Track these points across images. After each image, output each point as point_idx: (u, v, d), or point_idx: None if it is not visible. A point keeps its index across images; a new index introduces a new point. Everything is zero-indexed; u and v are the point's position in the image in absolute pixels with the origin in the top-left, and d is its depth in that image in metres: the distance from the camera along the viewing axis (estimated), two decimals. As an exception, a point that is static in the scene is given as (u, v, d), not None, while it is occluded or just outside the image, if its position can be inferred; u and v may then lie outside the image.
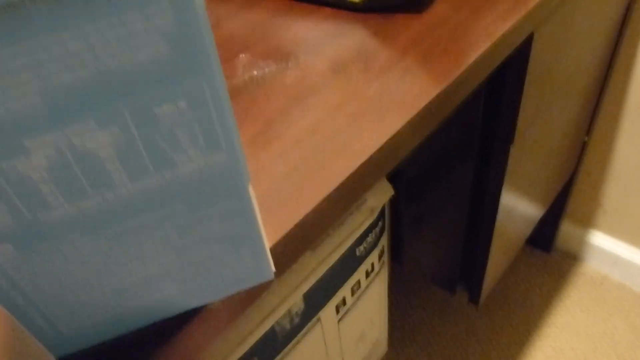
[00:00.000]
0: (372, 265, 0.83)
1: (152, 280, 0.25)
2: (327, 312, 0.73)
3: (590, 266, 1.21)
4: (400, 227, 0.91)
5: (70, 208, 0.21)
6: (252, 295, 0.29)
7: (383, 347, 1.01)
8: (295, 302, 0.66)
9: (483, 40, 0.49)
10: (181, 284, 0.26)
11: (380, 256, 0.85)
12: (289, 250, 0.31)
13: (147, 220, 0.23)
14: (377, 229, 0.82)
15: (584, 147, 1.06)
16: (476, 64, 0.47)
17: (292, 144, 0.38)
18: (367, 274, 0.82)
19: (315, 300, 0.69)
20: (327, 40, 0.52)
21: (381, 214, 0.81)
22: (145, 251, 0.24)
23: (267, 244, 0.27)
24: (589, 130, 1.03)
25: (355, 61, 0.48)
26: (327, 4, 0.57)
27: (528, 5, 0.52)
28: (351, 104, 0.42)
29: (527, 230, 0.98)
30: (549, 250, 1.25)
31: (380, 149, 0.37)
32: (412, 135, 0.41)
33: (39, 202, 0.21)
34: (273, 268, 0.28)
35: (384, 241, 0.84)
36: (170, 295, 0.26)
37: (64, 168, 0.20)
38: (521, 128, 0.66)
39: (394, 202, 0.93)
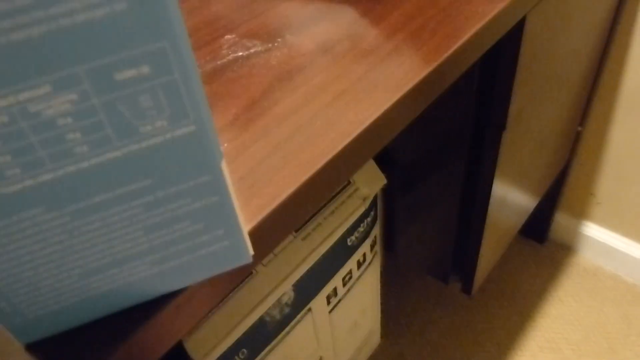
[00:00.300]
0: (364, 255, 0.81)
1: (121, 262, 0.24)
2: (318, 302, 0.72)
3: (584, 257, 1.20)
4: (393, 217, 0.89)
5: (29, 182, 0.20)
6: (231, 280, 0.28)
7: (376, 338, 1.00)
8: (286, 291, 0.65)
9: (475, 21, 0.48)
10: (152, 266, 0.25)
11: (372, 246, 0.84)
12: (270, 234, 0.30)
13: (111, 196, 0.22)
14: (369, 219, 0.80)
15: (577, 137, 1.05)
16: (467, 45, 0.46)
17: (276, 124, 0.37)
18: (359, 265, 0.81)
19: (306, 290, 0.68)
20: (314, 20, 0.50)
21: (373, 203, 0.80)
22: (111, 230, 0.23)
23: (244, 225, 0.26)
24: (582, 120, 1.02)
25: (342, 41, 0.46)
26: (316, -15, 0.56)
27: (521, -15, 0.51)
28: (338, 84, 0.41)
29: (520, 221, 0.97)
30: (543, 241, 1.24)
31: (367, 129, 0.36)
32: (400, 115, 0.40)
33: (-8, 175, 0.19)
34: (251, 251, 0.27)
35: (375, 231, 0.83)
36: (141, 278, 0.25)
37: (20, 138, 0.19)
38: (513, 114, 0.65)
39: (386, 191, 0.92)
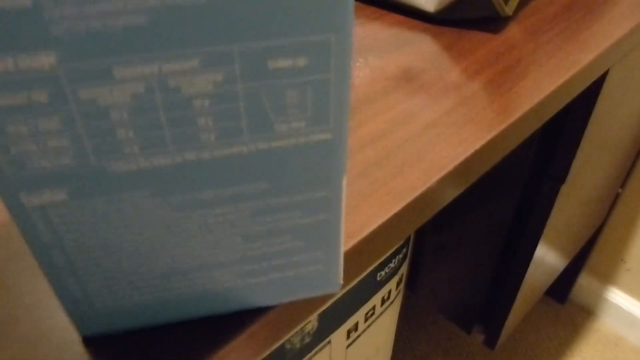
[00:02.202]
0: (389, 292, 0.79)
1: (209, 267, 0.22)
2: (339, 335, 0.69)
3: (606, 324, 1.16)
4: (422, 255, 0.86)
5: (144, 162, 0.18)
6: (308, 307, 0.26)
7: (383, 378, 0.96)
8: (310, 320, 0.62)
9: (565, 69, 0.45)
10: (238, 278, 0.22)
11: (398, 284, 0.81)
12: (355, 263, 0.28)
13: (223, 194, 0.19)
14: (401, 255, 0.78)
15: (616, 199, 1.02)
16: (560, 89, 0.43)
17: (360, 146, 0.34)
18: (383, 301, 0.78)
19: (330, 321, 0.65)
20: (397, 45, 0.48)
21: (407, 240, 0.77)
22: (210, 230, 0.20)
23: (342, 251, 0.24)
24: (624, 182, 1.00)
25: (429, 71, 0.44)
26: (398, 10, 0.54)
27: (613, 37, 0.49)
28: (426, 114, 0.38)
29: (550, 280, 0.94)
30: (563, 301, 1.20)
31: (460, 165, 0.34)
32: (490, 155, 0.37)
33: (110, 148, 0.17)
34: (341, 280, 0.24)
35: (404, 269, 0.80)
36: (222, 288, 0.23)
37: (149, 112, 0.17)
38: (575, 168, 0.62)
39: (418, 229, 0.90)
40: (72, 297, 0.21)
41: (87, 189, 0.18)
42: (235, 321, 0.24)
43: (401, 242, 0.50)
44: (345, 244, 0.27)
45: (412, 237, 0.94)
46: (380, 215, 0.29)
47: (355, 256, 0.27)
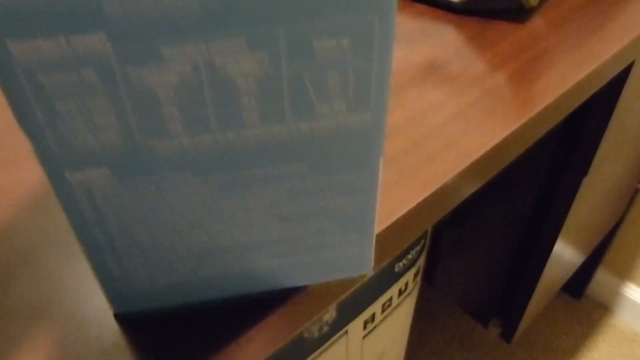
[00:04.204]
0: (407, 284, 0.79)
1: (244, 246, 0.22)
2: (356, 326, 0.69)
3: (622, 320, 1.15)
4: (439, 247, 0.86)
5: (187, 140, 0.18)
6: (339, 288, 0.26)
7: (398, 370, 0.96)
8: (329, 309, 0.62)
9: (590, 61, 0.45)
10: (272, 258, 0.23)
11: (415, 275, 0.81)
12: (384, 249, 0.28)
13: (261, 173, 0.20)
14: (419, 247, 0.78)
15: (635, 194, 1.01)
16: (588, 79, 0.43)
17: (386, 137, 0.35)
18: (400, 293, 0.78)
19: (348, 311, 0.65)
20: (421, 36, 0.48)
21: (424, 232, 0.77)
22: (248, 210, 0.21)
23: (375, 233, 0.24)
24: (642, 177, 0.99)
25: (453, 61, 0.44)
26: (422, 0, 0.54)
27: (638, 29, 0.49)
28: (452, 104, 0.38)
29: (567, 275, 0.93)
30: (579, 296, 1.20)
31: (486, 155, 0.34)
32: (515, 146, 0.37)
33: (155, 126, 0.17)
34: (372, 262, 0.25)
35: (421, 260, 0.81)
36: (256, 268, 0.23)
37: (195, 91, 0.17)
38: (598, 161, 0.62)
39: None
40: (110, 275, 0.21)
41: (131, 167, 0.18)
42: (266, 300, 0.24)
43: (427, 229, 0.50)
44: (377, 227, 0.27)
45: (429, 229, 0.94)
46: (409, 202, 0.29)
47: (384, 241, 0.28)
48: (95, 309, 0.24)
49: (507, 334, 0.78)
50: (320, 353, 0.65)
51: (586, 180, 0.63)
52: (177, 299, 0.23)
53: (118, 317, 0.24)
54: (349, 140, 0.19)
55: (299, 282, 0.24)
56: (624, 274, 1.12)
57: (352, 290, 0.63)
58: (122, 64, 0.16)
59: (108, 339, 0.23)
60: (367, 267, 0.24)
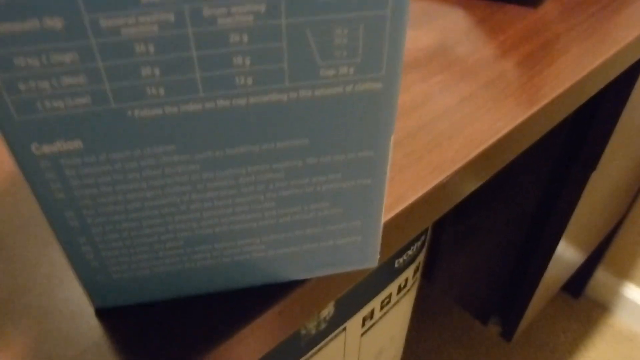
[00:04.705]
0: (406, 280, 0.76)
1: (237, 234, 0.19)
2: (354, 323, 0.67)
3: (621, 320, 1.13)
4: (440, 243, 0.84)
5: (170, 108, 0.15)
6: (341, 283, 0.23)
7: (395, 368, 0.94)
8: (327, 305, 0.60)
9: (606, 45, 0.43)
10: (269, 248, 0.20)
11: (415, 272, 0.79)
12: (391, 239, 0.25)
13: (256, 151, 0.17)
14: (419, 243, 0.75)
15: (637, 193, 0.99)
16: (601, 69, 0.41)
17: (397, 118, 0.32)
18: (399, 289, 0.76)
19: (346, 307, 0.63)
20: (429, 17, 0.46)
21: (426, 227, 0.75)
22: (241, 193, 0.18)
23: (382, 222, 0.21)
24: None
25: (463, 44, 0.42)
26: (431, -19, 0.51)
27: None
28: (462, 87, 0.36)
29: (568, 274, 0.91)
30: (578, 295, 1.18)
31: (500, 140, 0.31)
32: (529, 133, 0.35)
33: (132, 90, 0.15)
34: (378, 255, 0.22)
35: (421, 257, 0.78)
36: (250, 259, 0.20)
37: (179, 46, 0.14)
38: (607, 155, 0.60)
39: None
40: (87, 265, 0.19)
41: (106, 138, 0.16)
42: (262, 296, 0.22)
43: (436, 219, 0.48)
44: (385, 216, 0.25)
45: (430, 225, 0.91)
46: (418, 188, 0.26)
47: (392, 231, 0.25)
48: (74, 304, 0.22)
49: (508, 333, 0.76)
50: (318, 350, 0.63)
51: (594, 176, 0.61)
52: (163, 293, 0.21)
53: (99, 313, 0.22)
54: (356, 111, 0.17)
55: (297, 276, 0.22)
56: (624, 274, 1.10)
57: (352, 286, 0.60)
58: (93, 10, 0.13)
59: (88, 336, 0.21)
60: (373, 260, 0.22)
